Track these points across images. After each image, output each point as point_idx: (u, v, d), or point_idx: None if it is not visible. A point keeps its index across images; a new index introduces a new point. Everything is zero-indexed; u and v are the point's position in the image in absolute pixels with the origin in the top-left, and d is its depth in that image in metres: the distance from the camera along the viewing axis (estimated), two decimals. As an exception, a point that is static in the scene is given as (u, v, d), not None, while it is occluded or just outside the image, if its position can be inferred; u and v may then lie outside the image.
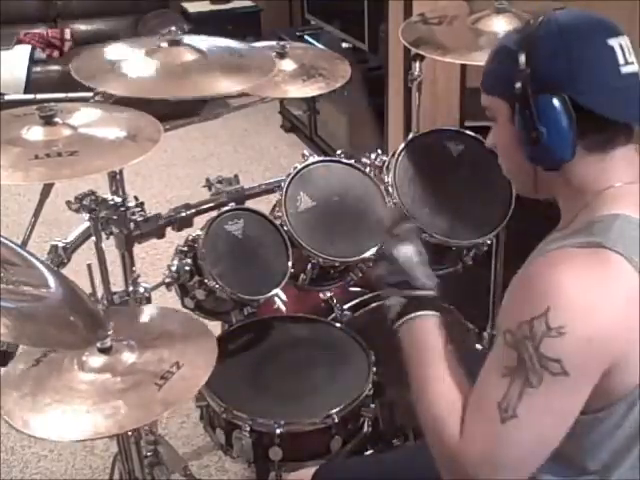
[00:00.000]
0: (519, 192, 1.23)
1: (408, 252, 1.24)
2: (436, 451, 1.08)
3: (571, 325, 0.96)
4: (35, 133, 1.45)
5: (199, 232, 1.74)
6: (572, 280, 0.99)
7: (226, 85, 1.64)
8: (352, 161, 1.95)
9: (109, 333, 1.33)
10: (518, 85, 1.07)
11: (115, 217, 1.67)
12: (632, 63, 1.07)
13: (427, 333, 1.17)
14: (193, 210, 1.87)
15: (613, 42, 1.06)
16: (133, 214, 1.71)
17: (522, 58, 1.06)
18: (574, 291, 0.98)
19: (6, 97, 1.84)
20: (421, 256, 1.25)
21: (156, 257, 3.07)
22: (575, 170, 1.10)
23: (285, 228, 1.79)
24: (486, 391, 1.04)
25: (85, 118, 1.54)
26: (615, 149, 1.09)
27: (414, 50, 1.99)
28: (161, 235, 1.81)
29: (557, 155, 1.07)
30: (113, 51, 1.76)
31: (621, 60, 1.06)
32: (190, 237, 1.76)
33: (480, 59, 1.89)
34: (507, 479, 1.01)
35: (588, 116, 1.05)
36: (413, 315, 1.18)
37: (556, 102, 1.04)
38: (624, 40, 1.08)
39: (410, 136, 2.04)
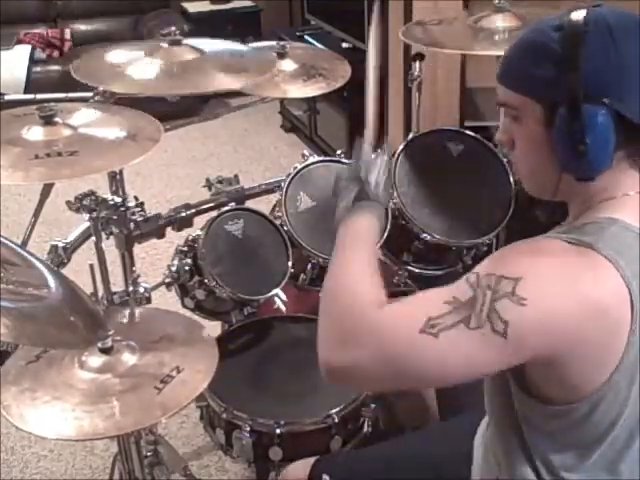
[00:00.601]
0: (532, 193, 1.17)
1: (377, 166, 1.27)
2: (339, 318, 1.05)
3: (533, 302, 0.95)
4: (35, 133, 1.45)
5: (199, 232, 1.74)
6: (553, 266, 0.99)
7: (226, 82, 1.64)
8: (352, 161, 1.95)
9: (109, 333, 1.33)
10: (565, 91, 1.00)
11: (115, 217, 1.67)
12: None
13: (363, 227, 1.20)
14: (193, 210, 1.87)
15: None
16: (133, 214, 1.71)
17: (570, 61, 1.00)
18: (551, 276, 0.98)
19: (6, 97, 1.84)
20: (385, 176, 1.28)
21: (156, 257, 3.07)
22: (601, 178, 1.06)
23: (285, 228, 1.79)
24: (424, 301, 1.03)
25: (85, 118, 1.54)
26: (634, 161, 1.07)
27: (414, 45, 1.99)
28: (161, 235, 1.81)
29: (597, 167, 1.04)
30: (113, 51, 1.76)
31: None
32: (190, 237, 1.76)
33: (479, 50, 1.91)
34: (387, 378, 1.01)
35: (627, 125, 1.01)
36: (358, 210, 1.21)
37: (605, 113, 1.00)
38: None
39: (410, 136, 2.04)
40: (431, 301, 1.01)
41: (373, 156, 1.29)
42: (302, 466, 1.48)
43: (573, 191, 1.11)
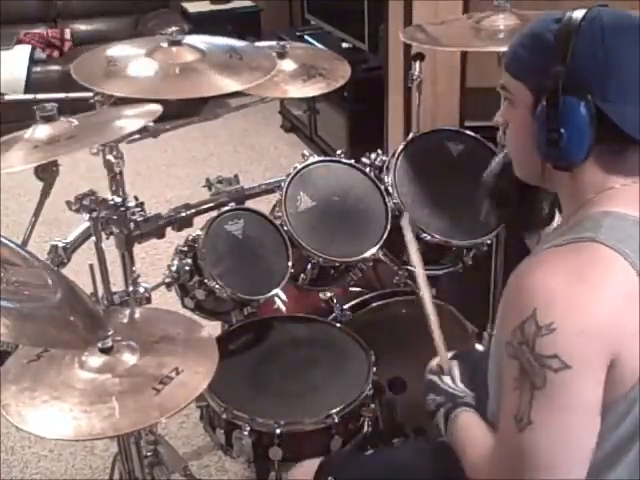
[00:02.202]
0: (521, 177, 1.20)
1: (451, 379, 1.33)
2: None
3: (560, 320, 0.96)
4: (36, 132, 1.45)
5: (199, 232, 1.74)
6: (555, 276, 0.99)
7: (226, 85, 1.64)
8: (352, 161, 1.95)
9: (109, 333, 1.32)
10: (548, 81, 1.04)
11: (115, 217, 1.67)
12: None
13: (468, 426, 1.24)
14: (193, 210, 1.87)
15: None
16: (133, 214, 1.71)
17: (559, 52, 1.03)
18: (558, 287, 0.98)
19: (6, 97, 1.84)
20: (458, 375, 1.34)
21: (156, 257, 3.07)
22: (583, 172, 1.09)
23: (285, 228, 1.79)
24: (504, 408, 1.05)
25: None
26: (627, 154, 1.08)
27: (414, 44, 1.99)
28: (161, 235, 1.81)
29: (571, 158, 1.06)
30: (113, 51, 1.76)
31: None
32: (190, 237, 1.76)
33: (481, 47, 1.90)
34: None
35: (607, 123, 1.03)
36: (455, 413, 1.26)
37: (583, 107, 1.02)
38: None
39: (410, 136, 2.04)
40: (504, 403, 1.05)
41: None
42: (307, 468, 1.48)
43: (559, 182, 1.14)
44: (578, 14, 1.05)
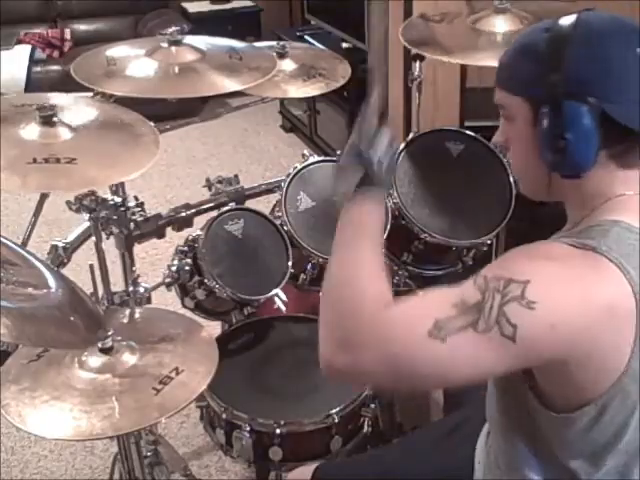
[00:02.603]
0: (527, 194, 1.19)
1: (381, 143, 1.16)
2: (342, 317, 1.02)
3: (543, 305, 0.95)
4: (32, 132, 1.44)
5: (199, 232, 1.74)
6: (561, 269, 0.99)
7: (226, 85, 1.64)
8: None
9: (109, 333, 1.33)
10: (548, 89, 1.03)
11: (115, 217, 1.67)
12: None
13: (368, 219, 1.13)
14: (193, 210, 1.87)
15: None
16: (133, 214, 1.71)
17: (552, 61, 1.03)
18: (559, 279, 0.98)
19: (6, 97, 1.84)
20: (389, 154, 1.17)
21: (156, 257, 3.07)
22: (590, 178, 1.08)
23: (285, 228, 1.79)
24: (431, 303, 1.00)
25: (84, 118, 1.53)
26: (631, 160, 1.07)
27: (414, 50, 1.99)
28: (161, 235, 1.81)
29: (580, 164, 1.05)
30: (113, 51, 1.76)
31: None
32: (190, 237, 1.76)
33: (480, 59, 1.92)
34: (390, 379, 0.99)
35: (612, 125, 1.02)
36: (360, 197, 1.13)
37: (586, 110, 1.01)
38: None
39: (410, 136, 2.04)
40: (438, 303, 0.99)
41: (376, 131, 1.17)
42: (303, 472, 1.48)
43: (566, 192, 1.12)
44: (567, 20, 1.06)
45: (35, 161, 1.34)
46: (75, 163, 1.36)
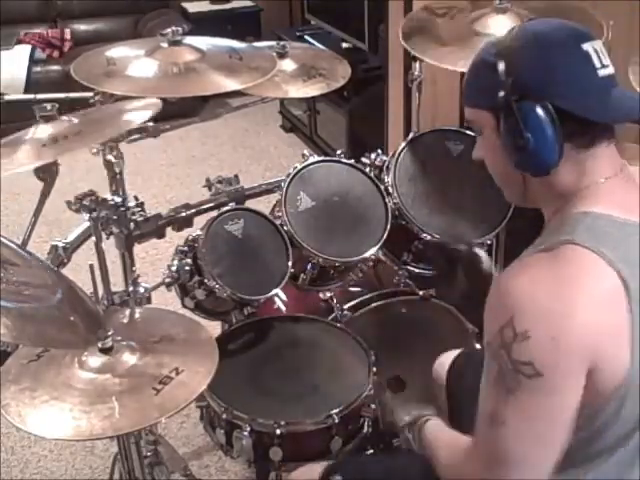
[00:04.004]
0: (509, 200, 1.25)
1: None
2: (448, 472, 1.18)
3: (534, 328, 0.99)
4: (39, 132, 1.45)
5: (199, 232, 1.74)
6: (532, 285, 1.02)
7: (226, 85, 1.64)
8: (352, 161, 1.95)
9: (109, 333, 1.32)
10: (501, 94, 1.08)
11: (115, 217, 1.67)
12: (607, 66, 1.09)
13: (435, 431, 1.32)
14: (193, 210, 1.87)
15: (587, 47, 1.08)
16: (133, 214, 1.71)
17: (502, 68, 1.08)
18: (534, 295, 1.01)
19: (6, 97, 1.84)
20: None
21: (156, 257, 3.07)
22: (560, 174, 1.11)
23: (285, 228, 1.79)
24: (481, 405, 1.09)
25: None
26: (598, 148, 1.11)
27: (413, 52, 1.99)
28: (161, 235, 1.81)
29: (544, 160, 1.08)
30: (113, 51, 1.76)
31: (597, 64, 1.08)
32: (190, 237, 1.76)
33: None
34: (521, 478, 1.06)
35: (571, 119, 1.06)
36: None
37: (539, 108, 1.06)
38: (597, 44, 1.10)
39: (410, 136, 2.04)
40: (483, 399, 1.09)
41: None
42: (309, 471, 1.49)
43: (542, 193, 1.15)
44: (512, 31, 1.13)
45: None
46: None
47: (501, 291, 1.05)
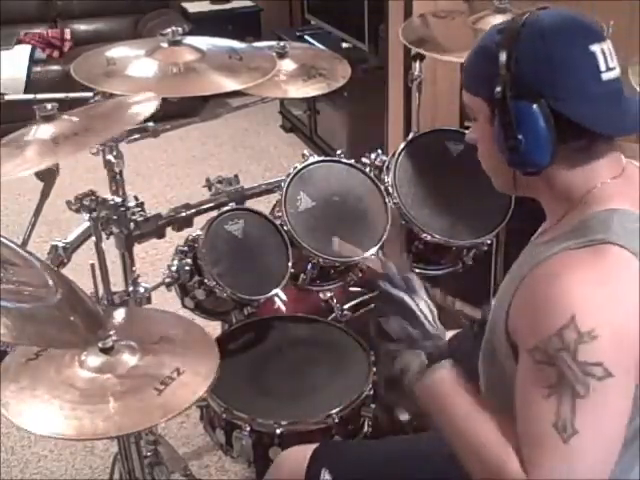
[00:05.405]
0: (499, 189, 1.21)
1: (420, 305, 1.19)
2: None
3: (601, 326, 0.95)
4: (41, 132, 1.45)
5: (199, 232, 1.74)
6: (588, 281, 0.98)
7: (226, 84, 1.64)
8: (352, 161, 1.95)
9: (109, 333, 1.32)
10: (498, 89, 1.06)
11: (115, 217, 1.67)
12: (613, 68, 1.06)
13: (451, 384, 1.14)
14: (193, 210, 1.87)
15: (595, 47, 1.05)
16: (133, 214, 1.71)
17: (503, 60, 1.05)
18: (593, 292, 0.97)
19: (6, 97, 1.84)
20: (429, 307, 1.21)
21: (156, 257, 3.07)
22: (557, 173, 1.09)
23: (285, 228, 1.79)
24: (536, 417, 1.00)
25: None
26: (598, 149, 1.09)
27: (414, 49, 1.99)
28: (161, 235, 1.81)
29: (535, 161, 1.07)
30: (113, 51, 1.76)
31: (602, 66, 1.04)
32: (190, 237, 1.76)
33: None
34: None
35: (566, 123, 1.04)
36: (433, 368, 1.14)
37: (535, 110, 1.03)
38: (607, 45, 1.06)
39: (410, 136, 2.04)
40: (537, 410, 0.99)
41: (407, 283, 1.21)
42: (299, 454, 1.45)
43: (536, 187, 1.14)
44: (518, 21, 1.07)
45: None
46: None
47: (551, 292, 0.99)
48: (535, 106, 1.03)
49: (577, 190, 1.10)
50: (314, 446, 1.45)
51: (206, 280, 1.70)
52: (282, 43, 1.98)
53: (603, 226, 1.04)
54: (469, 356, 1.21)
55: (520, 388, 1.04)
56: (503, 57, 1.05)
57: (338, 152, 1.96)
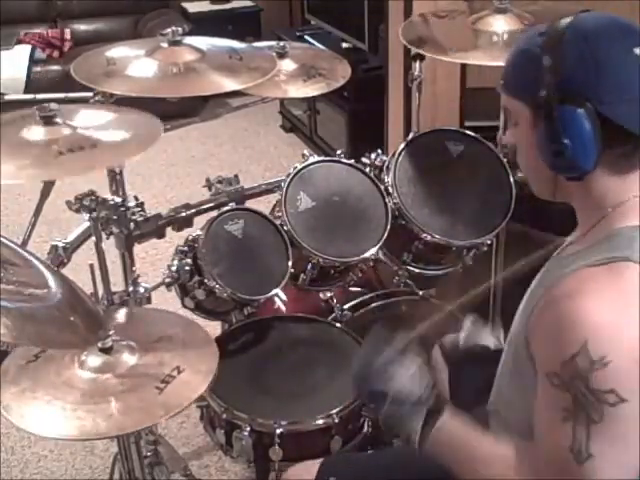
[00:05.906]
0: (536, 194, 1.19)
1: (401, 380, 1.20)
2: None
3: (613, 352, 0.95)
4: (36, 133, 1.44)
5: (199, 232, 1.74)
6: (601, 305, 0.97)
7: (226, 84, 1.64)
8: (352, 161, 1.95)
9: (109, 333, 1.33)
10: (542, 94, 1.04)
11: (115, 217, 1.67)
12: None
13: (453, 433, 1.16)
14: (193, 210, 1.87)
15: (639, 50, 1.03)
16: (133, 214, 1.71)
17: (547, 64, 1.04)
18: (606, 317, 0.97)
19: (6, 97, 1.84)
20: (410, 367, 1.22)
21: (156, 257, 3.07)
22: (597, 180, 1.08)
23: (285, 228, 1.79)
24: (553, 439, 1.02)
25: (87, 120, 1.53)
26: (637, 160, 1.07)
27: (414, 49, 2.00)
28: (161, 235, 1.81)
29: (580, 167, 1.05)
30: (113, 51, 1.76)
31: None
32: (190, 237, 1.76)
33: (479, 59, 1.92)
34: None
35: (612, 127, 1.02)
36: (434, 428, 1.16)
37: (581, 114, 1.02)
38: None
39: (410, 136, 2.04)
40: (554, 433, 1.01)
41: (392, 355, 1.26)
42: (306, 469, 1.47)
43: (574, 193, 1.12)
44: (562, 23, 1.06)
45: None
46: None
47: (565, 316, 0.99)
48: (581, 110, 1.02)
49: (611, 200, 1.08)
50: (319, 461, 1.46)
51: (206, 280, 1.70)
52: (282, 43, 1.98)
53: (627, 243, 1.02)
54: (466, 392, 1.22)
55: (538, 408, 1.05)
56: (547, 60, 1.04)
57: (338, 152, 1.96)
